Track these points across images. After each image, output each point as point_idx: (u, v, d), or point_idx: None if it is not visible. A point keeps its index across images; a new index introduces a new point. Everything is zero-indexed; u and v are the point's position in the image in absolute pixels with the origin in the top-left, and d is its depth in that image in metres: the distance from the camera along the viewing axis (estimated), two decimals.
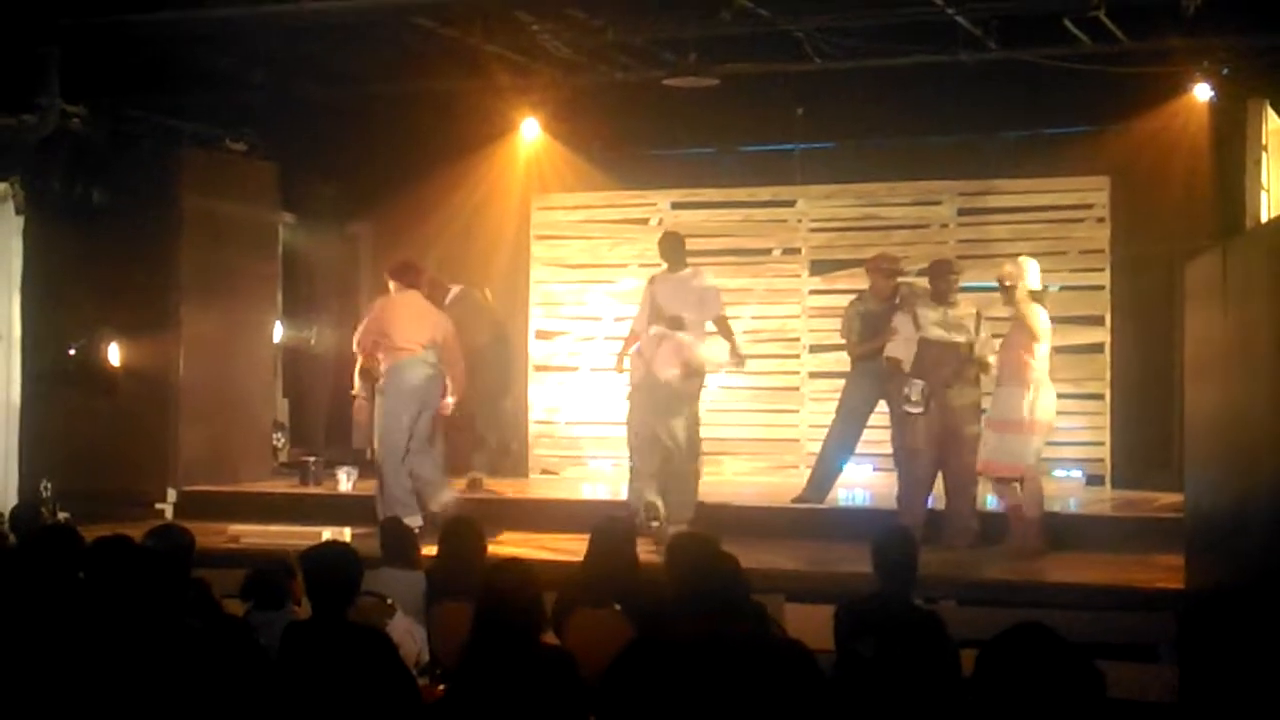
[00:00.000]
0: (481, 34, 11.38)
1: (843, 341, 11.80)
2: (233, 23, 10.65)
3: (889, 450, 12.81)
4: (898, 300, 10.76)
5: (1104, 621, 7.91)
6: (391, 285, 11.08)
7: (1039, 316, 9.83)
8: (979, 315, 10.34)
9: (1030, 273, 9.94)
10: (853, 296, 11.55)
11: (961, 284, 10.52)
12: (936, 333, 10.15)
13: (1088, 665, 3.51)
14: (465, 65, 11.97)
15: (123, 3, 10.38)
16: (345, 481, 12.14)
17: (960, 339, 10.15)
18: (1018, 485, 9.80)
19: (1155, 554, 9.18)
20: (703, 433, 10.94)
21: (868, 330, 11.00)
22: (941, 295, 10.30)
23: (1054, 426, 10.04)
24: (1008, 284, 9.93)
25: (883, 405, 10.97)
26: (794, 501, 11.24)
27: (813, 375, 13.53)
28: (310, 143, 13.40)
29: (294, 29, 10.92)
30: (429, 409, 10.88)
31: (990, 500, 10.36)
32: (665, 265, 11.04)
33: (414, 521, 9.87)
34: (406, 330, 10.83)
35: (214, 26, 10.74)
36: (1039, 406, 9.74)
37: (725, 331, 11.00)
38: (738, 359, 11.00)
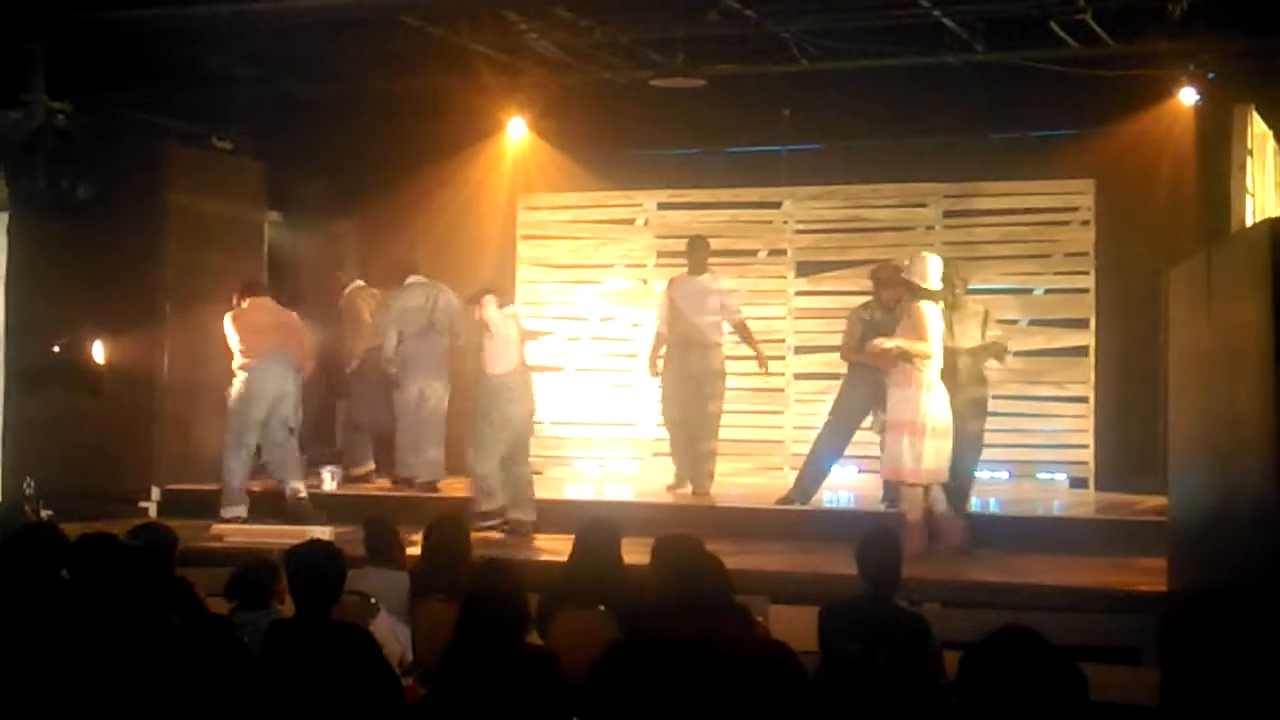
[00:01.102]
0: (469, 33, 11.38)
1: (834, 343, 11.82)
2: (219, 19, 10.62)
3: (875, 453, 12.88)
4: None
5: (1087, 624, 7.92)
6: (238, 300, 11.72)
7: (930, 317, 9.75)
8: (987, 314, 10.29)
9: (931, 270, 9.89)
10: (862, 301, 11.36)
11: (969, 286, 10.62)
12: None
13: (1071, 668, 3.52)
14: (452, 64, 11.96)
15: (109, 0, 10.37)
16: (330, 481, 12.13)
17: (961, 343, 10.05)
18: (920, 489, 9.79)
19: (1138, 557, 9.19)
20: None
21: (869, 338, 10.82)
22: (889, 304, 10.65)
23: (949, 429, 9.77)
24: (902, 276, 10.13)
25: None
26: (779, 502, 11.23)
27: (798, 377, 13.55)
28: (297, 140, 13.38)
29: (281, 26, 10.91)
30: (280, 407, 11.51)
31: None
32: (687, 268, 11.79)
33: (234, 512, 11.18)
34: (248, 340, 11.53)
35: (201, 23, 10.72)
36: (930, 409, 9.66)
37: (746, 336, 11.97)
38: (761, 363, 12.05)
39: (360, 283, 13.25)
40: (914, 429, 9.65)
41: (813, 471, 11.42)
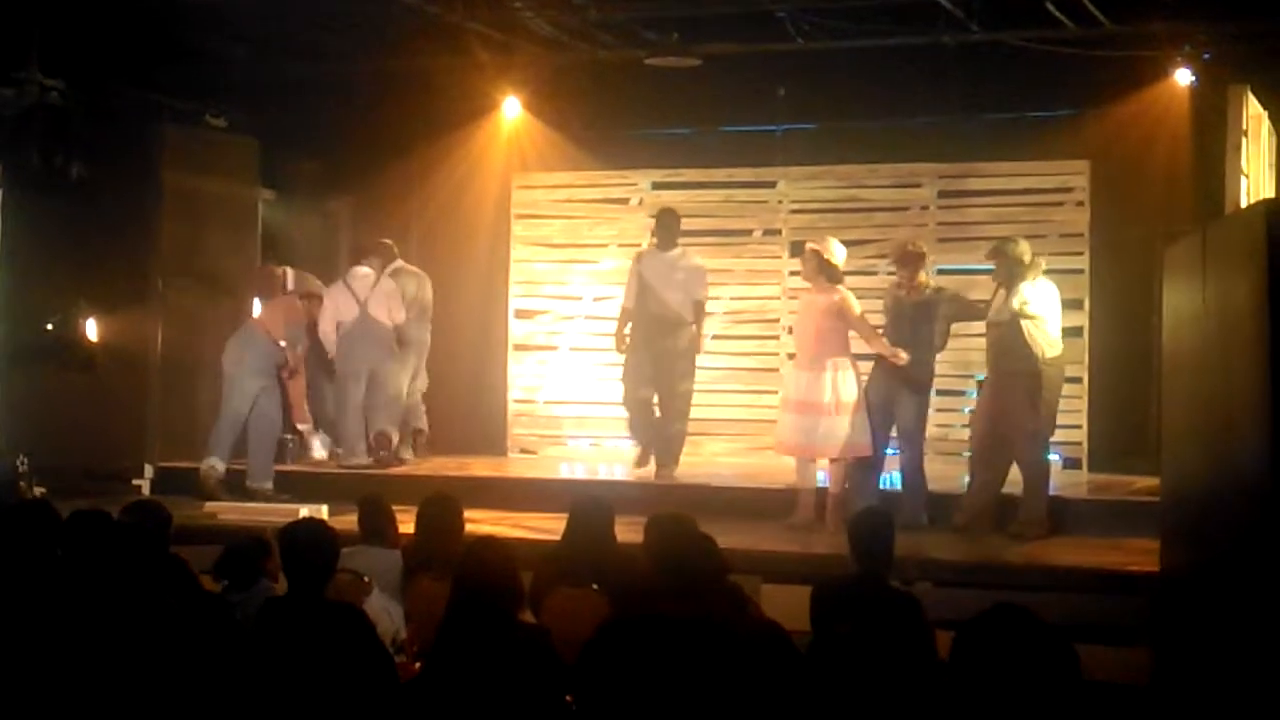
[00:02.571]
0: (463, 11, 11.36)
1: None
2: None
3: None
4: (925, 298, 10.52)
5: (1079, 604, 7.94)
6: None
7: (851, 299, 10.14)
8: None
9: (839, 251, 10.22)
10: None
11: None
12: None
13: (1065, 646, 3.53)
14: (447, 42, 11.94)
15: None
16: (320, 448, 12.13)
17: (1001, 319, 10.03)
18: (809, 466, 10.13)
19: (1131, 537, 9.21)
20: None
21: (891, 319, 10.68)
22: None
23: (860, 405, 10.03)
24: (822, 259, 10.19)
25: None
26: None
27: (792, 356, 13.51)
28: (291, 119, 13.36)
29: (276, 4, 10.89)
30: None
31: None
32: (654, 241, 11.40)
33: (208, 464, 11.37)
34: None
35: (196, 2, 10.70)
36: (842, 389, 9.92)
37: (698, 315, 11.50)
38: (697, 342, 11.56)
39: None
40: (832, 409, 9.92)
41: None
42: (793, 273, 13.55)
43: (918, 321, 10.37)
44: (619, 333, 11.68)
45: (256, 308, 12.14)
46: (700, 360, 11.93)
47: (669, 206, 12.03)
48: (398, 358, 12.43)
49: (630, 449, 11.99)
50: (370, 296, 12.25)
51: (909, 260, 10.51)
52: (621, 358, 11.64)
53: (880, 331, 10.32)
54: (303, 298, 12.39)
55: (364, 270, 12.42)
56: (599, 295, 13.86)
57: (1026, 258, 9.93)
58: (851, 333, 10.14)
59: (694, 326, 11.48)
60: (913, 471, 10.42)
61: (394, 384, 12.40)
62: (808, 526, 9.97)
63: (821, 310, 10.16)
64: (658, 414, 11.56)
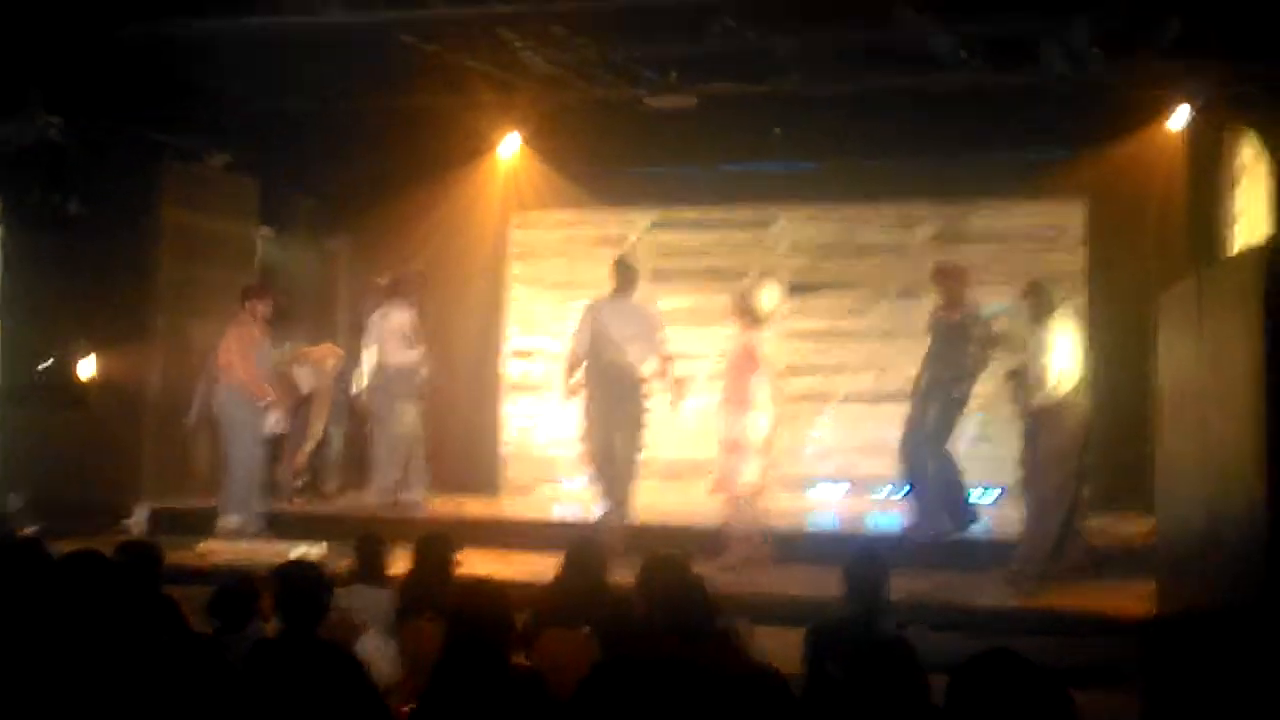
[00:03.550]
0: (463, 50, 11.39)
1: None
2: (215, 37, 10.64)
3: (861, 474, 12.90)
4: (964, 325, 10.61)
5: (1073, 647, 7.91)
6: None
7: (765, 343, 10.27)
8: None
9: (766, 297, 10.41)
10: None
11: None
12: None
13: (1059, 689, 3.52)
14: (446, 81, 11.97)
15: (105, 15, 10.36)
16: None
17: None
18: (734, 504, 10.26)
19: (1126, 580, 9.19)
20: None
21: (931, 339, 10.83)
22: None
23: (772, 446, 10.36)
24: (744, 304, 10.37)
25: None
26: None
27: (788, 398, 13.52)
28: (290, 157, 13.40)
29: (275, 43, 10.91)
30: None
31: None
32: (612, 289, 11.01)
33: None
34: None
35: (196, 40, 10.73)
36: (755, 429, 10.14)
37: (666, 368, 11.01)
38: (677, 396, 11.07)
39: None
40: (746, 448, 10.15)
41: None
42: (790, 313, 13.57)
43: (951, 341, 10.48)
44: (566, 379, 11.12)
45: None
46: (693, 400, 11.88)
47: (625, 255, 11.78)
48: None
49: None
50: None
51: (942, 278, 10.55)
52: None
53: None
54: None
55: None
56: None
57: (1056, 300, 9.96)
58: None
59: (653, 382, 10.96)
60: (939, 481, 10.58)
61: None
62: (738, 565, 9.94)
63: (735, 351, 10.40)
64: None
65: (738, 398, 10.26)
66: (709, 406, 11.69)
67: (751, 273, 13.68)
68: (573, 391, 11.06)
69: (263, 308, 11.59)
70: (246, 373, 11.39)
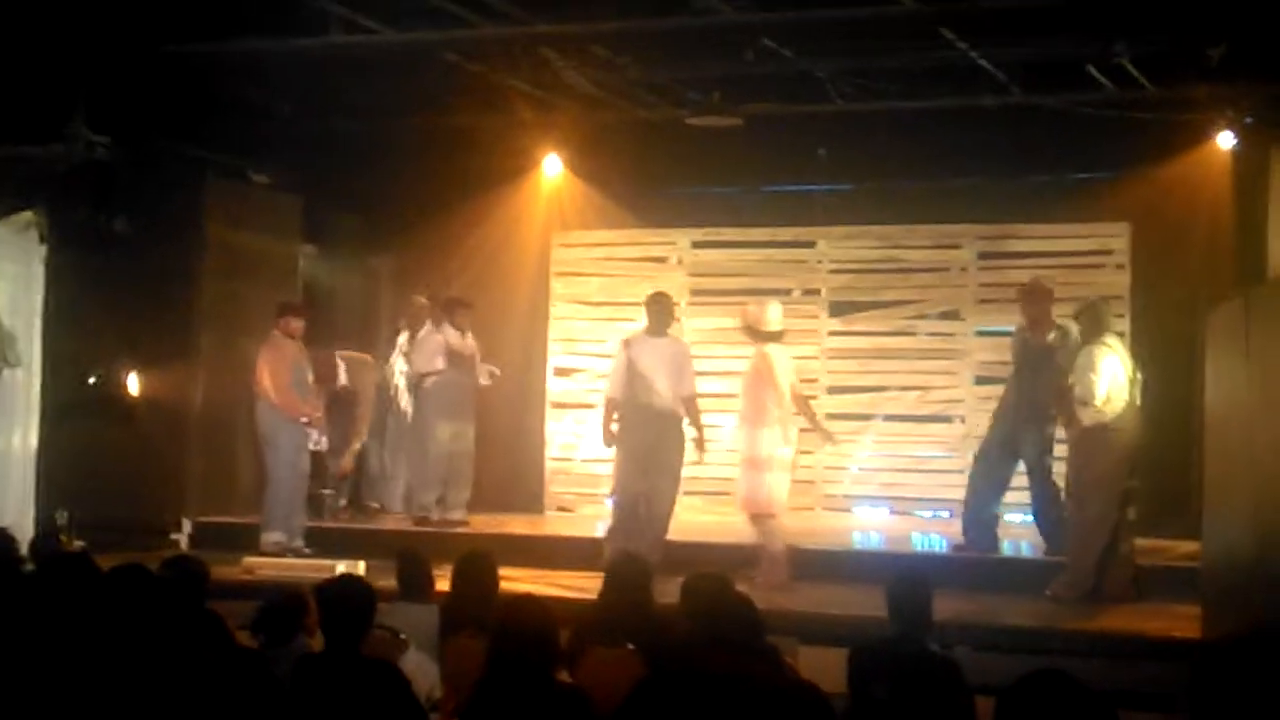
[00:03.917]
0: (506, 70, 11.45)
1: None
2: (259, 56, 10.72)
3: (904, 494, 12.86)
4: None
5: (1119, 669, 7.86)
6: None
7: (776, 359, 10.14)
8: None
9: (771, 315, 10.32)
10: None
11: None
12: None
13: (1107, 711, 3.49)
14: (489, 100, 12.03)
15: (151, 34, 10.45)
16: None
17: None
18: (769, 521, 10.17)
19: (1172, 603, 9.13)
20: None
21: (1016, 361, 10.86)
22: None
23: (795, 464, 10.37)
24: (745, 323, 10.37)
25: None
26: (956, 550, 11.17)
27: (831, 417, 13.49)
28: (334, 175, 13.45)
29: (320, 62, 10.99)
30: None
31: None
32: (646, 326, 10.80)
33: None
34: None
35: (241, 59, 10.81)
36: (776, 446, 10.05)
37: (694, 416, 10.70)
38: (700, 446, 10.64)
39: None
40: (768, 464, 10.05)
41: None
42: (831, 333, 13.57)
43: (1038, 365, 10.44)
44: (606, 426, 10.68)
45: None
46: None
47: (662, 290, 11.36)
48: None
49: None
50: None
51: (1030, 297, 10.51)
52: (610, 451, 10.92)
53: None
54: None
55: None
56: None
57: (1108, 321, 9.92)
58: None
59: (689, 424, 10.64)
60: (1044, 503, 10.57)
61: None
62: (774, 584, 9.82)
63: (750, 369, 10.36)
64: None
65: (754, 415, 10.21)
66: None
67: (794, 291, 13.71)
68: (612, 438, 10.68)
69: (296, 324, 11.65)
70: (279, 393, 11.43)
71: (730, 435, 10.69)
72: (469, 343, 12.46)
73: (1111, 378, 9.57)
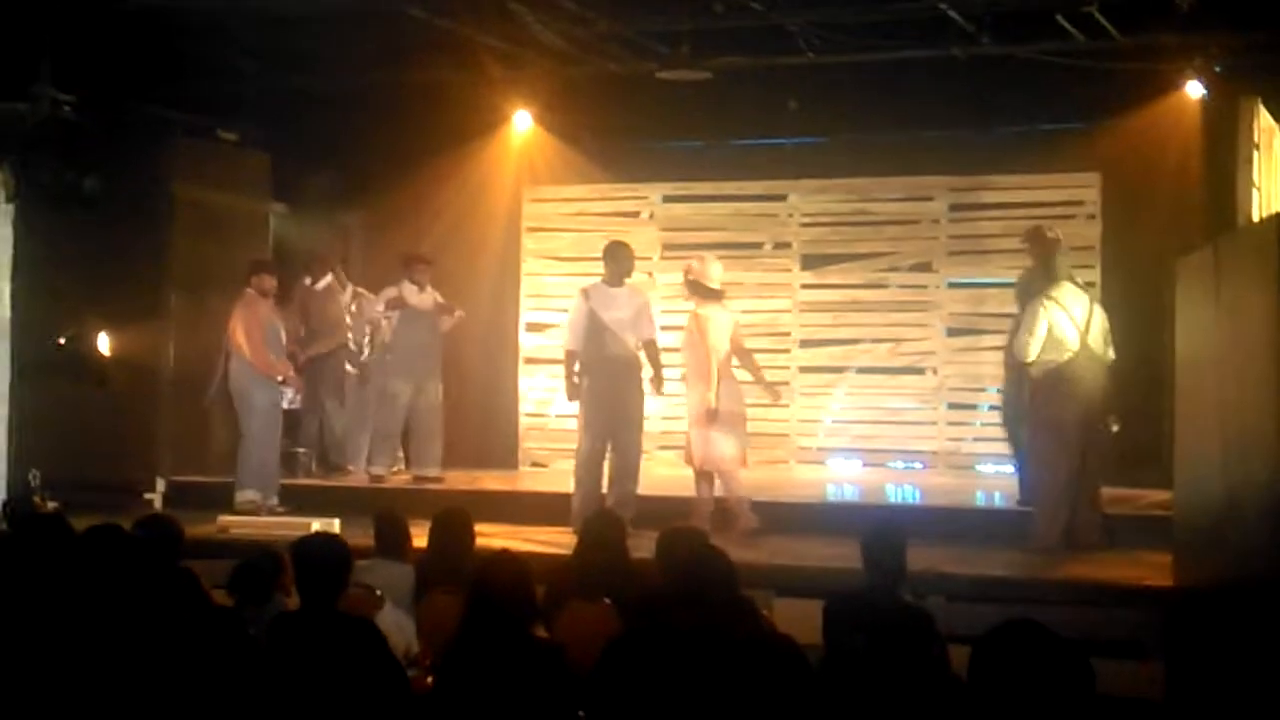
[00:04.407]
0: (474, 25, 11.38)
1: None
2: (227, 12, 10.64)
3: (878, 446, 12.91)
4: None
5: (1092, 617, 7.91)
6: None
7: (711, 320, 10.24)
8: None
9: (713, 271, 10.39)
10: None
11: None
12: None
13: (1080, 660, 3.52)
14: (458, 56, 11.96)
15: None
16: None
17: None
18: (708, 477, 10.32)
19: (1144, 551, 9.19)
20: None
21: (1020, 305, 10.55)
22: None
23: (744, 416, 10.41)
24: (690, 278, 10.40)
25: None
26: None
27: (803, 370, 13.55)
28: (302, 133, 13.40)
29: (287, 18, 10.92)
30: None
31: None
32: (604, 276, 10.69)
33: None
34: None
35: (208, 15, 10.72)
36: (724, 401, 10.15)
37: (653, 358, 10.72)
38: (658, 385, 10.71)
39: None
40: (712, 420, 10.16)
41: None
42: (803, 286, 13.58)
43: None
44: (569, 378, 10.62)
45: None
46: None
47: (619, 240, 11.18)
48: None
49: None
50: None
51: (1036, 243, 10.28)
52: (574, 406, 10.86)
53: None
54: None
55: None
56: None
57: (1057, 270, 9.82)
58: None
59: (649, 365, 10.66)
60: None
61: None
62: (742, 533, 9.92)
63: (686, 331, 10.49)
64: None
65: (695, 373, 10.32)
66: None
67: (766, 244, 13.73)
68: (576, 391, 10.61)
69: (269, 282, 11.64)
70: (254, 352, 11.40)
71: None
72: (426, 298, 12.45)
73: (1048, 333, 9.50)
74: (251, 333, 11.41)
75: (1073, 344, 9.49)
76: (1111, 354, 9.66)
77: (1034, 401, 9.77)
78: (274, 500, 11.41)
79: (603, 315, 10.49)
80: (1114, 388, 9.75)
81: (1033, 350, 9.53)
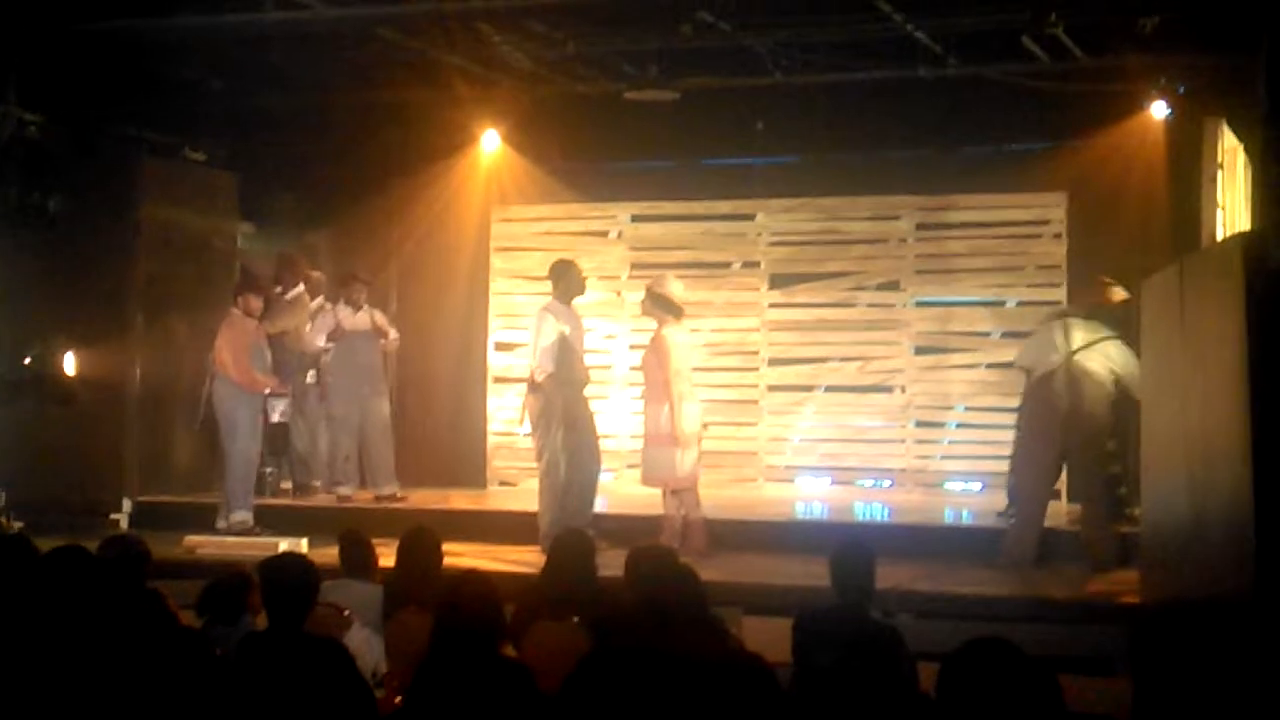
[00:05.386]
0: (443, 45, 11.39)
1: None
2: (193, 32, 10.61)
3: (846, 464, 12.93)
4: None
5: (1060, 634, 7.94)
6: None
7: (672, 341, 10.32)
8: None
9: (675, 289, 10.52)
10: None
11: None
12: None
13: (1048, 677, 3.53)
14: (425, 76, 11.97)
15: (83, 10, 10.33)
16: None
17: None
18: (674, 495, 10.38)
19: (1112, 568, 9.23)
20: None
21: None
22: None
23: (700, 436, 10.46)
24: (655, 291, 10.49)
25: None
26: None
27: (771, 389, 13.57)
28: (270, 153, 13.38)
29: (255, 38, 10.90)
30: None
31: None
32: (558, 295, 10.74)
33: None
34: None
35: (174, 35, 10.70)
36: (682, 420, 10.17)
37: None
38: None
39: None
40: (673, 440, 10.21)
41: None
42: (772, 305, 13.61)
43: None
44: (554, 402, 10.51)
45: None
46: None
47: (567, 258, 11.30)
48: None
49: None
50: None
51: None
52: (604, 391, 11.36)
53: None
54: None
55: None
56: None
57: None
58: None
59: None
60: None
61: None
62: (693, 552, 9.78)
63: (647, 350, 10.57)
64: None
65: (654, 391, 10.36)
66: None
67: (734, 263, 13.75)
68: (544, 416, 10.53)
69: (255, 302, 11.62)
70: (240, 373, 11.37)
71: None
72: (362, 318, 12.44)
73: (1038, 347, 9.95)
74: (237, 354, 11.39)
75: (1047, 362, 9.63)
76: (1110, 385, 9.69)
77: (1020, 418, 10.07)
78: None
79: (569, 336, 10.56)
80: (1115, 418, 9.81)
81: (1021, 358, 10.21)
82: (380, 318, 12.67)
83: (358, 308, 12.52)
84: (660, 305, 10.46)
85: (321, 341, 12.54)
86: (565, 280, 10.76)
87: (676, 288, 10.55)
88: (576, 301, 10.94)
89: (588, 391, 10.92)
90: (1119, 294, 10.50)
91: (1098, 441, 9.82)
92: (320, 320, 12.61)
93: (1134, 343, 9.46)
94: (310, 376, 12.94)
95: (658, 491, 10.56)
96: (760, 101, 12.41)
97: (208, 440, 12.22)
